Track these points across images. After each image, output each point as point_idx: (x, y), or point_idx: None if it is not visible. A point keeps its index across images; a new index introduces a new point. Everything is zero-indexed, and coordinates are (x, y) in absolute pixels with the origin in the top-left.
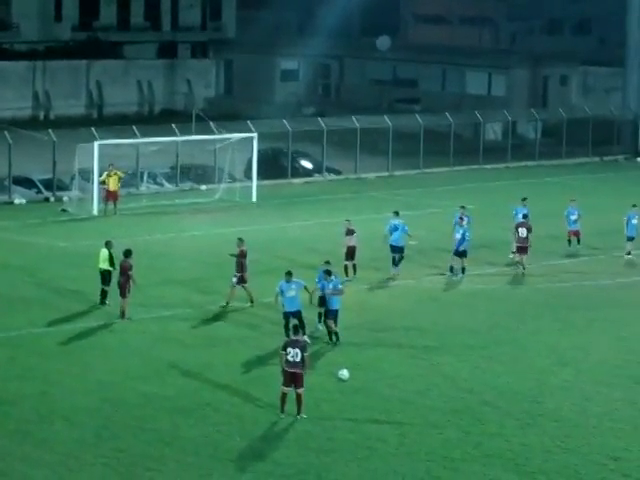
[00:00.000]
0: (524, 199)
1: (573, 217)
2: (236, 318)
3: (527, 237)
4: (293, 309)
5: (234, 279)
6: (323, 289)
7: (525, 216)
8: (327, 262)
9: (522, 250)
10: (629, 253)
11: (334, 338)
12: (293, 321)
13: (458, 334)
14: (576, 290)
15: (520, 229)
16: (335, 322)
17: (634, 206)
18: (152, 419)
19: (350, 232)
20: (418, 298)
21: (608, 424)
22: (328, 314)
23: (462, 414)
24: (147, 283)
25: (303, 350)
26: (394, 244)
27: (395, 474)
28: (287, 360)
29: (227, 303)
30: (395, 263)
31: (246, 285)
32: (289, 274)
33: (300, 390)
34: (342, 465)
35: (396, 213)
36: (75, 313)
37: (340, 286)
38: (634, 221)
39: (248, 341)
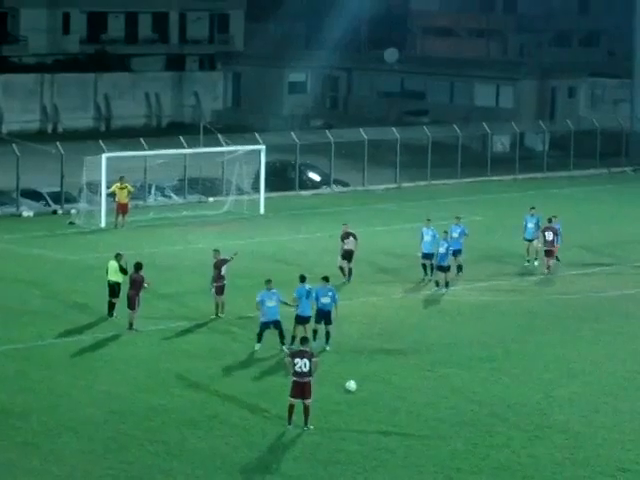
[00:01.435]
0: (532, 208)
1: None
2: (243, 330)
3: (553, 240)
4: (272, 318)
5: (212, 290)
6: (317, 300)
7: (550, 220)
8: (325, 278)
9: (548, 253)
10: None
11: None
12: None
13: (466, 346)
14: (584, 302)
15: (547, 232)
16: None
17: None
18: (160, 431)
19: (347, 236)
20: (426, 310)
21: (616, 436)
22: (298, 319)
23: (470, 426)
24: (154, 295)
25: (311, 359)
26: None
27: None
28: (295, 371)
29: (216, 314)
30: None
31: (222, 296)
32: (269, 282)
33: (308, 401)
34: (349, 477)
35: (428, 220)
36: (83, 325)
37: (337, 296)
38: None
39: (255, 353)
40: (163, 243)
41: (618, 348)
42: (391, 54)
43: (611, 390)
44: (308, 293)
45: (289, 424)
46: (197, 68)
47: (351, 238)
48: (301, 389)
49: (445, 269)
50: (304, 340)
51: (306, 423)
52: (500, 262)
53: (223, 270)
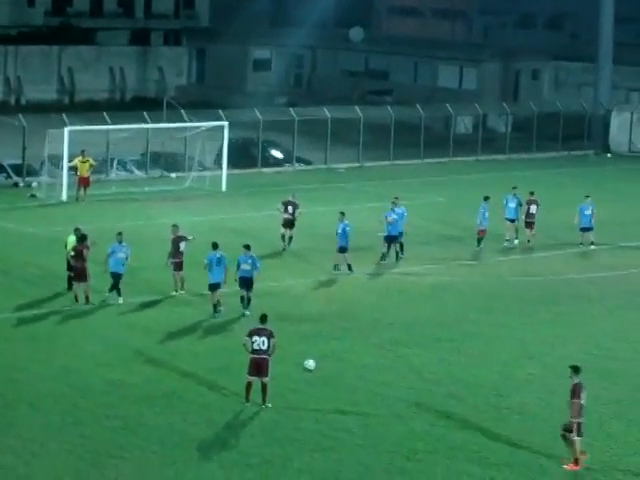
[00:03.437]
0: (514, 187)
1: (487, 214)
2: (202, 306)
3: (534, 213)
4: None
5: (170, 265)
6: (239, 267)
7: (532, 193)
8: (246, 246)
9: (530, 225)
10: (585, 243)
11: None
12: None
13: (425, 326)
14: (544, 284)
15: (531, 206)
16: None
17: (587, 197)
18: (117, 406)
19: (290, 205)
20: (386, 290)
21: None
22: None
23: (428, 406)
24: None
25: (270, 338)
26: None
27: (359, 465)
28: (253, 349)
29: (176, 291)
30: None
31: (181, 272)
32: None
33: (265, 379)
34: (307, 455)
35: (396, 198)
36: (42, 299)
37: (258, 263)
38: (587, 212)
39: (214, 329)
40: (124, 218)
41: (576, 331)
42: (356, 33)
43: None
44: (219, 260)
45: (247, 402)
46: (162, 43)
47: (291, 208)
48: (258, 367)
49: (344, 250)
50: (263, 318)
51: (264, 401)
52: (460, 243)
53: (182, 246)
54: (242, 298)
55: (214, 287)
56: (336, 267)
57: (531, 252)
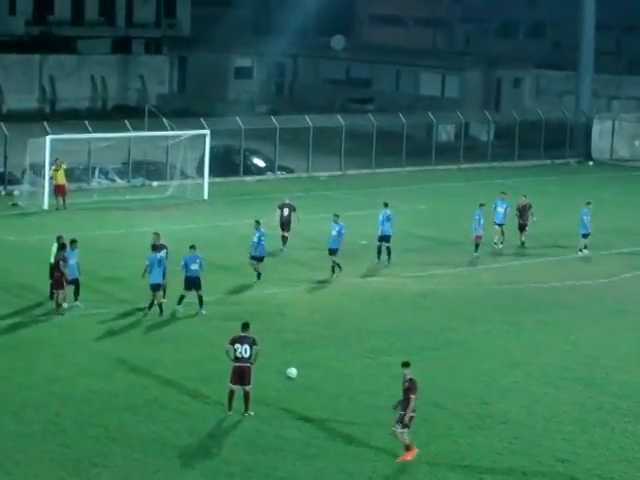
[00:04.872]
0: (503, 192)
1: (482, 221)
2: (184, 314)
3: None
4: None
5: None
6: (187, 267)
7: (525, 196)
8: (192, 246)
9: (523, 227)
10: (583, 249)
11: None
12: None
13: (408, 334)
14: (527, 292)
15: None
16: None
17: (588, 204)
18: (99, 415)
19: (285, 206)
20: (369, 298)
21: (556, 426)
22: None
23: None
24: (96, 278)
25: (252, 345)
26: (384, 234)
27: (342, 473)
28: (236, 357)
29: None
30: (380, 253)
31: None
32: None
33: (248, 387)
34: (290, 464)
35: (385, 204)
36: (24, 307)
37: (202, 263)
38: (586, 218)
39: (196, 338)
40: (106, 226)
41: (559, 338)
42: (338, 41)
43: (551, 380)
44: (159, 261)
45: (229, 410)
46: (143, 52)
47: (287, 210)
48: (240, 375)
49: (259, 259)
50: (245, 326)
51: (246, 409)
52: (443, 251)
53: (162, 254)
54: (181, 298)
55: (155, 287)
56: (259, 275)
57: (514, 259)
